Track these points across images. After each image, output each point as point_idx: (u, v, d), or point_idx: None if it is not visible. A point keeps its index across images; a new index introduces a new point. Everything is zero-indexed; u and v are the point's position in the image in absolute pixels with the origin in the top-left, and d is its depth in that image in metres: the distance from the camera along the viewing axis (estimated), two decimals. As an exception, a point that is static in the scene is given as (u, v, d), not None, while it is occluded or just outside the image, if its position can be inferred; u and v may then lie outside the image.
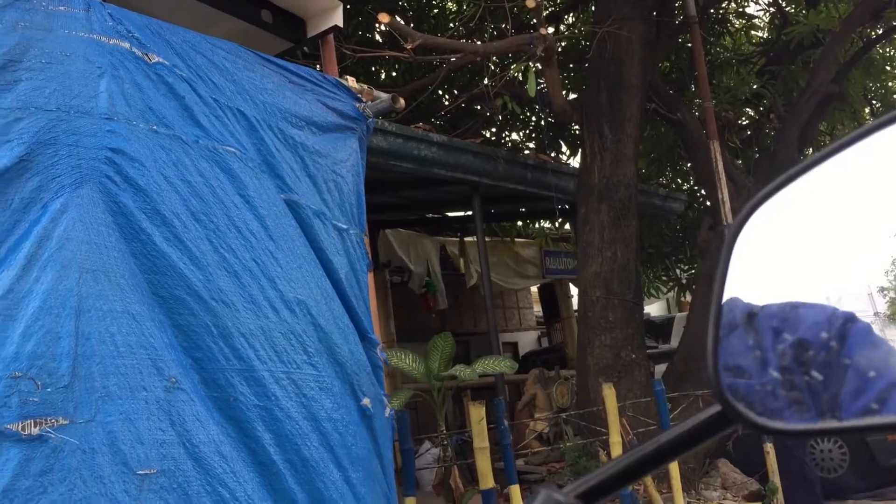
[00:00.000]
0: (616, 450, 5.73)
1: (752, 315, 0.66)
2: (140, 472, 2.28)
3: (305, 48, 5.50)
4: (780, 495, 6.58)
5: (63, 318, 2.25)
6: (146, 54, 2.78)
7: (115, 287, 2.40)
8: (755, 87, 8.96)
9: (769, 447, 6.38)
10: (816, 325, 0.64)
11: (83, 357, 2.26)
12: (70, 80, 2.50)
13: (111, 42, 2.67)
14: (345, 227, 3.51)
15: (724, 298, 0.67)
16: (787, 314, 0.66)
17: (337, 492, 2.88)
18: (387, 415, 3.41)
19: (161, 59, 2.83)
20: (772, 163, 8.33)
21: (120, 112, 2.60)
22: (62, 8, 2.57)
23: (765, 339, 0.66)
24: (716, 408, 0.65)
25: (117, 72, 2.65)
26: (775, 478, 6.61)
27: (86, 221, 2.39)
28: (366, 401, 3.23)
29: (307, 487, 2.79)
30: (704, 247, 8.42)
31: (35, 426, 2.11)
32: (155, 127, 2.70)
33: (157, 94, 2.77)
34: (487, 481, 4.93)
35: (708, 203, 8.93)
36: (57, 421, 2.16)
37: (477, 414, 4.98)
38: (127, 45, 2.73)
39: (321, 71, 4.24)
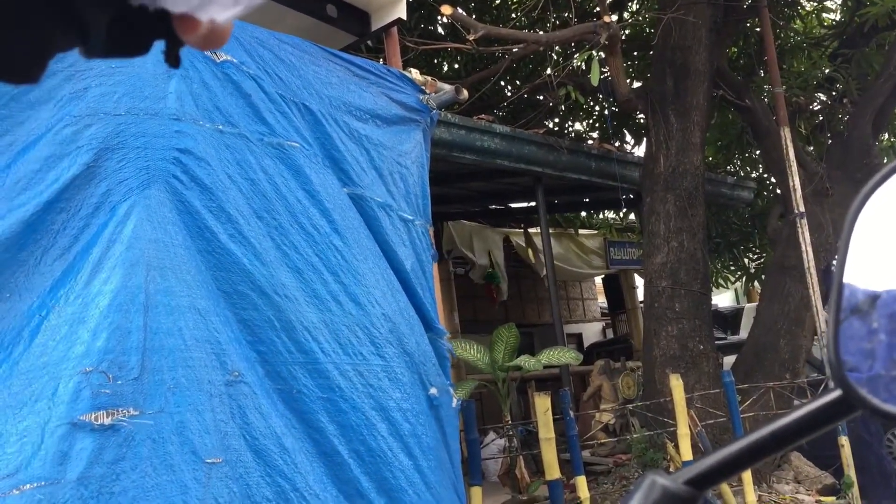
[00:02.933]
0: (684, 442, 5.65)
1: (874, 298, 0.64)
2: (208, 460, 2.35)
3: (369, 42, 5.55)
4: (855, 490, 6.40)
5: (132, 314, 2.32)
6: (214, 53, 2.84)
7: (181, 283, 2.47)
8: (827, 71, 8.70)
9: (844, 440, 6.21)
10: None
11: (152, 350, 2.33)
12: (140, 83, 2.56)
13: (181, 41, 2.73)
14: (410, 218, 3.54)
15: (846, 280, 0.64)
16: None
17: (406, 480, 2.91)
18: (453, 405, 3.44)
19: (229, 57, 2.89)
20: (845, 149, 8.09)
21: (188, 112, 2.65)
22: (135, 8, 2.64)
23: (890, 322, 0.63)
24: (835, 393, 0.63)
25: (186, 72, 2.70)
26: (851, 472, 6.43)
27: (153, 221, 2.46)
28: (433, 390, 3.25)
29: (374, 477, 2.83)
30: (774, 236, 8.23)
31: (108, 416, 2.18)
32: (220, 126, 2.76)
33: (224, 93, 2.82)
34: (553, 472, 4.93)
35: (778, 191, 8.73)
36: (128, 411, 2.23)
37: (543, 404, 4.97)
38: (196, 43, 2.79)
39: (385, 64, 4.27)
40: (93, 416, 2.17)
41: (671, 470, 6.22)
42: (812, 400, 0.64)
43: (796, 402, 6.88)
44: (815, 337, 6.94)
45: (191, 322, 2.46)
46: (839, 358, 0.62)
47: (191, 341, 2.44)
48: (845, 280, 0.64)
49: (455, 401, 3.49)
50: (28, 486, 2.02)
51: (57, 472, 2.06)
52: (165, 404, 2.31)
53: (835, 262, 0.65)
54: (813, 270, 6.74)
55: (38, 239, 2.27)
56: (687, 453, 5.65)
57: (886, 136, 9.96)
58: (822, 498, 6.37)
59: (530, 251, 10.74)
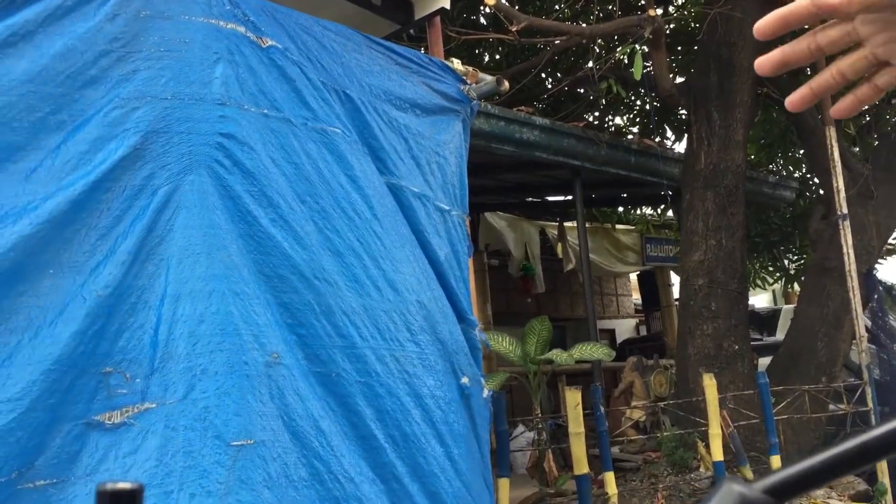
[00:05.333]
0: (715, 442, 5.61)
1: None
2: (235, 443, 2.38)
3: (411, 31, 5.56)
4: (889, 497, 6.30)
5: (159, 307, 2.36)
6: (260, 38, 2.87)
7: (220, 268, 2.50)
8: (877, 70, 8.51)
9: (879, 447, 6.10)
10: None
11: (180, 339, 2.37)
12: (187, 67, 2.60)
13: (228, 26, 2.76)
14: (447, 208, 3.55)
15: None
16: None
17: (438, 466, 2.94)
18: (484, 396, 3.45)
19: (274, 43, 2.91)
20: (891, 151, 7.93)
21: (233, 97, 2.69)
22: (183, -8, 2.67)
23: None
24: None
25: (233, 57, 2.74)
26: (885, 478, 6.33)
27: (191, 206, 2.50)
28: (465, 380, 3.27)
29: (408, 462, 2.85)
30: (816, 237, 8.10)
31: (121, 415, 2.25)
32: (265, 110, 2.79)
33: (270, 78, 2.85)
34: (582, 467, 4.92)
35: (821, 191, 8.58)
36: (143, 406, 2.28)
37: (573, 399, 4.96)
38: (242, 28, 2.82)
39: (427, 53, 4.28)
40: (107, 415, 2.22)
41: (700, 469, 6.18)
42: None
43: (832, 407, 6.78)
44: (854, 341, 6.83)
45: (228, 306, 2.49)
46: None
47: (226, 325, 2.47)
48: None
49: (486, 392, 3.50)
50: (41, 482, 2.08)
51: (67, 471, 2.12)
52: (190, 391, 2.35)
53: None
54: (854, 273, 6.63)
55: (84, 218, 2.31)
56: (718, 453, 5.60)
57: (935, 138, 9.74)
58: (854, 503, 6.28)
59: (560, 245, 10.69)
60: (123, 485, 0.52)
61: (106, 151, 2.36)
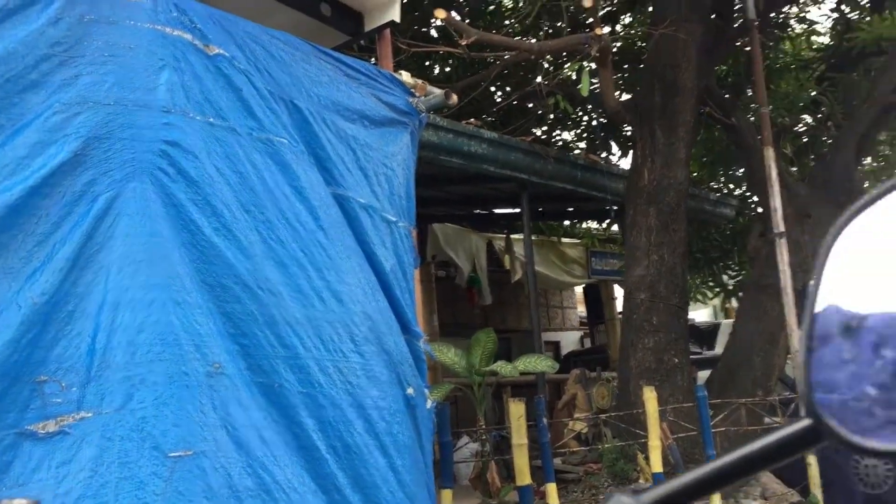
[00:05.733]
0: (655, 454, 5.70)
1: (848, 326, 0.64)
2: (173, 454, 2.34)
3: (361, 41, 5.56)
4: (820, 509, 6.48)
5: (97, 315, 2.33)
6: (207, 46, 2.85)
7: (161, 276, 2.47)
8: (813, 93, 8.80)
9: (812, 459, 6.28)
10: None
11: (117, 348, 2.33)
12: (131, 73, 2.56)
13: (174, 33, 2.74)
14: (394, 219, 3.56)
15: (819, 308, 0.64)
16: (888, 327, 0.63)
17: (381, 478, 2.94)
18: (428, 407, 3.46)
19: (221, 51, 2.90)
20: (827, 172, 8.18)
21: (178, 104, 2.66)
22: (129, -3, 2.64)
23: (862, 352, 0.63)
24: (805, 422, 0.63)
25: (179, 64, 2.71)
26: (817, 491, 6.50)
27: (133, 214, 2.46)
28: (410, 390, 3.28)
29: (350, 473, 2.85)
30: (754, 254, 8.31)
31: (55, 425, 2.20)
32: (211, 119, 2.77)
33: (216, 86, 2.83)
34: (524, 478, 4.96)
35: (759, 210, 8.81)
36: (79, 416, 2.24)
37: (517, 411, 5.00)
38: (189, 36, 2.80)
39: (376, 64, 4.29)
40: (41, 425, 2.18)
41: (641, 481, 6.27)
42: (782, 427, 0.64)
43: (767, 420, 6.95)
44: (789, 356, 7.02)
45: (168, 316, 2.46)
46: (810, 387, 0.62)
47: (167, 335, 2.44)
48: (818, 310, 0.64)
49: (430, 403, 3.51)
50: None
51: None
52: (127, 401, 2.31)
53: (809, 289, 0.66)
54: (790, 290, 6.82)
55: (20, 223, 2.27)
56: (657, 465, 5.70)
57: (869, 160, 10.09)
58: (788, 515, 6.44)
59: (507, 257, 10.78)
60: (20, 501, 0.52)
61: (45, 157, 2.32)
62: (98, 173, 2.43)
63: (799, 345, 0.64)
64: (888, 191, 0.67)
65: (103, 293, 2.36)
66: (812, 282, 0.66)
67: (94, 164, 2.42)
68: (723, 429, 6.67)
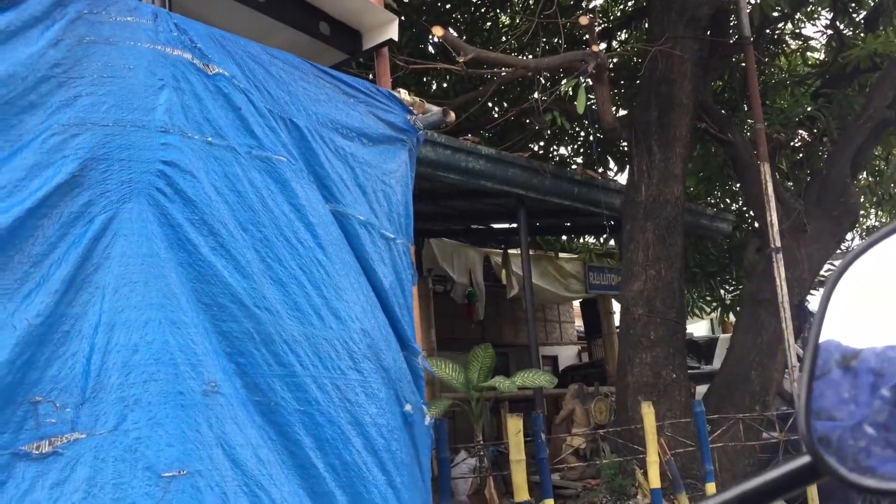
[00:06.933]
0: (653, 469, 5.70)
1: (848, 363, 0.65)
2: (166, 474, 2.33)
3: (360, 59, 5.59)
4: (819, 525, 6.47)
5: (93, 336, 2.33)
6: (207, 65, 2.87)
7: (157, 296, 2.47)
8: (809, 109, 8.86)
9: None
10: None
11: (112, 369, 2.33)
12: (130, 94, 2.57)
13: (174, 53, 2.75)
14: (392, 236, 3.57)
15: (821, 342, 0.65)
16: (886, 364, 0.63)
17: (380, 495, 2.93)
18: (426, 423, 3.46)
19: (220, 70, 2.91)
20: (823, 186, 8.23)
21: (176, 124, 2.67)
22: (130, 18, 2.65)
23: (861, 391, 0.63)
24: (805, 458, 0.63)
25: (178, 83, 2.72)
26: (815, 509, 6.50)
27: (130, 234, 2.47)
28: (408, 407, 3.28)
29: (349, 491, 2.84)
30: (751, 269, 8.34)
31: (49, 445, 2.20)
32: (210, 138, 2.78)
33: (215, 106, 2.84)
34: (522, 494, 4.95)
35: (756, 225, 8.84)
36: (72, 436, 2.24)
37: (514, 426, 5.00)
38: (189, 55, 2.81)
39: (374, 82, 4.32)
40: (35, 445, 2.18)
41: (639, 497, 6.26)
42: (782, 463, 0.64)
43: (765, 435, 6.95)
44: (786, 370, 7.03)
45: (164, 336, 2.46)
46: (809, 424, 0.63)
47: (162, 355, 2.43)
48: (819, 344, 0.65)
49: (428, 419, 3.51)
50: None
51: None
52: (121, 421, 2.31)
53: (811, 325, 0.66)
54: (786, 304, 6.84)
55: (17, 244, 2.27)
56: (655, 481, 5.69)
57: (864, 175, 10.13)
58: (787, 531, 6.43)
59: (504, 271, 10.80)
60: None
61: (43, 178, 2.33)
62: (95, 194, 2.44)
63: (798, 382, 0.65)
64: (890, 233, 0.68)
65: (98, 314, 2.36)
66: (815, 318, 0.66)
67: (91, 185, 2.43)
68: (721, 444, 6.67)
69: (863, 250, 0.69)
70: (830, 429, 0.63)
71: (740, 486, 0.65)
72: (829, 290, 0.67)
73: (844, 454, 0.63)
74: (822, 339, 0.65)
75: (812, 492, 6.35)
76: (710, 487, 5.96)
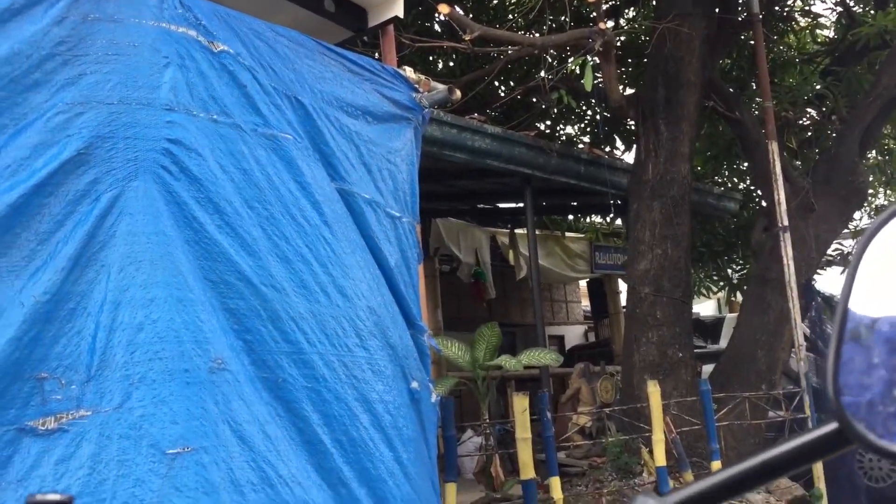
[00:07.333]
0: (658, 447, 5.72)
1: (877, 330, 0.63)
2: (171, 451, 2.35)
3: (365, 37, 5.57)
4: (824, 502, 6.49)
5: (98, 314, 2.34)
6: (212, 42, 2.86)
7: (162, 274, 2.48)
8: (818, 87, 8.79)
9: (816, 453, 6.29)
10: None
11: (118, 347, 2.34)
12: (135, 72, 2.56)
13: (179, 30, 2.74)
14: (398, 215, 3.57)
15: (849, 311, 0.63)
16: None
17: (386, 471, 2.95)
18: (432, 400, 3.48)
19: (226, 48, 2.90)
20: (831, 165, 8.18)
21: (182, 102, 2.66)
22: (134, -5, 2.65)
23: (891, 357, 0.62)
24: (832, 425, 0.62)
25: (183, 61, 2.71)
26: (821, 484, 6.53)
27: (135, 213, 2.47)
28: (415, 384, 3.30)
29: (356, 467, 2.86)
30: (758, 248, 8.32)
31: (55, 422, 2.22)
32: (215, 116, 2.77)
33: (220, 83, 2.84)
34: (528, 471, 4.98)
35: (764, 203, 8.81)
36: (78, 413, 2.25)
37: (521, 404, 5.02)
38: (194, 33, 2.80)
39: (379, 60, 4.30)
40: (41, 421, 2.19)
41: (644, 474, 6.29)
42: (808, 431, 0.63)
43: (771, 414, 6.96)
44: (793, 349, 7.03)
45: (169, 314, 2.46)
46: (837, 390, 0.62)
47: (166, 333, 2.44)
48: (848, 313, 0.64)
49: (434, 396, 3.53)
50: None
51: None
52: (126, 399, 2.33)
53: (841, 293, 0.65)
54: (793, 284, 6.83)
55: (24, 222, 2.28)
56: (661, 459, 5.72)
57: (873, 153, 10.07)
58: (792, 508, 6.46)
59: (511, 252, 10.80)
60: (52, 496, 0.52)
61: (48, 157, 2.33)
62: (101, 172, 2.44)
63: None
64: None
65: (104, 292, 2.37)
66: (843, 287, 0.65)
67: (97, 164, 2.43)
68: (726, 423, 6.68)
69: (893, 214, 0.68)
70: (859, 395, 0.62)
71: (766, 452, 0.64)
72: (858, 253, 0.66)
73: (873, 420, 0.62)
74: (850, 304, 0.63)
75: (818, 469, 6.37)
76: (716, 465, 5.98)
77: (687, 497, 0.64)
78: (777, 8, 9.52)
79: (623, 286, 11.20)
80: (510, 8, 10.07)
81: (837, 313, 0.64)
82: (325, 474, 2.77)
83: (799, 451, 0.63)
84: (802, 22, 10.54)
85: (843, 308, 0.64)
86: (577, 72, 8.48)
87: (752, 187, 10.60)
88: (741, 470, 0.64)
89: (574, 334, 15.44)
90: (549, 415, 5.33)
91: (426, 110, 3.96)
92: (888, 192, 11.41)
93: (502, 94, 9.77)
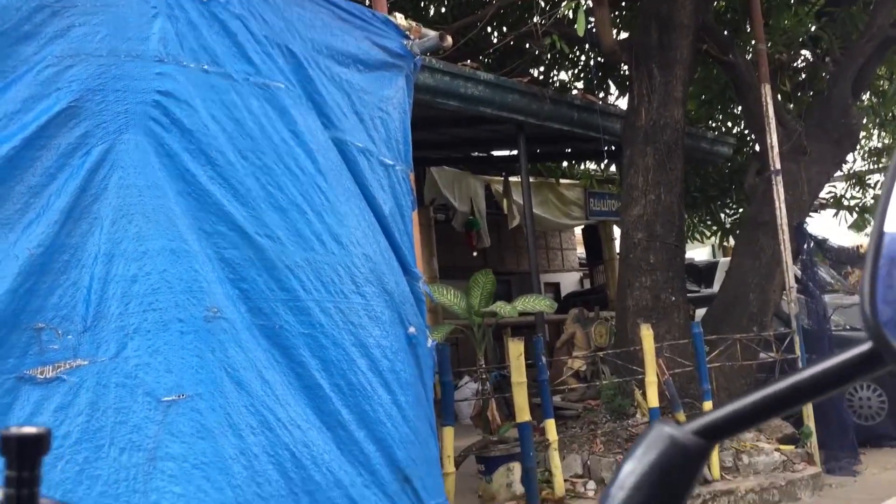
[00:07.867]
0: (651, 389, 5.83)
1: None
2: (166, 398, 2.41)
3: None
4: (814, 439, 6.64)
5: (92, 266, 2.37)
6: (201, -8, 2.84)
7: (155, 227, 2.51)
8: (812, 28, 8.72)
9: (805, 392, 6.41)
10: None
11: (112, 299, 2.39)
12: (124, 23, 2.55)
13: (167, -21, 2.73)
14: (391, 163, 3.59)
15: (886, 231, 0.60)
16: None
17: (385, 413, 3.02)
18: (429, 345, 3.54)
19: (215, -4, 2.88)
20: (824, 108, 8.17)
21: (171, 53, 2.66)
22: (120, -55, 2.62)
23: None
24: (865, 346, 0.58)
25: (172, 11, 2.70)
26: (810, 422, 6.66)
27: (126, 166, 2.49)
28: (412, 329, 3.35)
29: (355, 410, 2.93)
30: (751, 192, 8.34)
31: (53, 370, 2.27)
32: (206, 66, 2.77)
33: (211, 33, 2.82)
34: (524, 415, 5.08)
35: (757, 148, 8.81)
36: (75, 363, 2.31)
37: (516, 349, 5.10)
38: (182, -19, 2.78)
39: (370, 7, 4.27)
40: (39, 370, 2.25)
41: (637, 415, 6.41)
42: (839, 352, 0.60)
43: (762, 355, 7.07)
44: (784, 291, 7.11)
45: (162, 265, 2.50)
46: (875, 307, 0.58)
47: (160, 284, 2.48)
48: (886, 230, 0.60)
49: (431, 341, 3.59)
50: None
51: None
52: (121, 350, 2.38)
53: (877, 211, 0.62)
54: (785, 227, 6.88)
55: (17, 175, 2.30)
56: (654, 400, 5.83)
57: (867, 95, 10.03)
58: (782, 446, 6.61)
59: (505, 200, 10.81)
60: (29, 429, 0.52)
61: (38, 110, 2.34)
62: (92, 125, 2.45)
63: (866, 266, 0.60)
64: None
65: (98, 244, 2.41)
66: (880, 201, 0.62)
67: (87, 117, 2.44)
68: (718, 364, 6.79)
69: None
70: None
71: (795, 376, 0.61)
72: (893, 173, 0.62)
73: None
74: (885, 226, 0.60)
75: (807, 407, 6.49)
76: (708, 405, 6.10)
77: (709, 423, 0.62)
78: (772, -52, 9.38)
79: (618, 232, 11.26)
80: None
81: (873, 227, 0.61)
82: (325, 417, 2.84)
83: (832, 374, 0.59)
84: (797, -38, 10.39)
85: (879, 221, 0.60)
86: (570, 16, 8.40)
87: (746, 132, 10.58)
88: (767, 395, 0.61)
89: (570, 281, 15.55)
90: (544, 359, 5.41)
91: (417, 57, 3.95)
92: (882, 134, 11.39)
93: (495, 41, 9.68)
